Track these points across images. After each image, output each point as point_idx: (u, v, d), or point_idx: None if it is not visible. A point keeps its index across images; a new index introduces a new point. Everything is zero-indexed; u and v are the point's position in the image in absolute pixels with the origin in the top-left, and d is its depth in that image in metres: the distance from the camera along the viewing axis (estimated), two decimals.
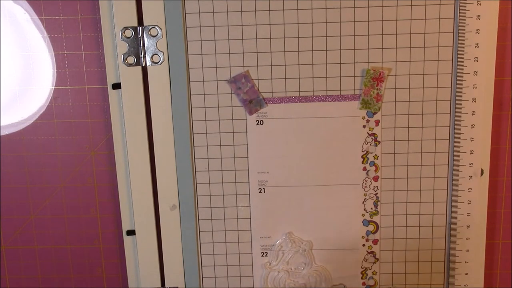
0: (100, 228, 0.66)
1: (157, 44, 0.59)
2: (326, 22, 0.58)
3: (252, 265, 0.65)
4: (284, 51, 0.59)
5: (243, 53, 0.59)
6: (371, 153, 0.61)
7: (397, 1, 0.58)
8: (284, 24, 0.58)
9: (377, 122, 0.61)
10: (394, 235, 0.63)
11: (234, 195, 0.63)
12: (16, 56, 0.62)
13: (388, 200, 0.62)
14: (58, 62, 0.62)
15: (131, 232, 0.64)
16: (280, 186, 0.62)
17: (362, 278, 0.65)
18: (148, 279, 0.64)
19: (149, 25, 0.58)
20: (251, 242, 0.64)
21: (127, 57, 0.59)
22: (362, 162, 0.61)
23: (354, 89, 0.60)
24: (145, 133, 0.61)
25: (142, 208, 0.63)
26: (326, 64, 0.59)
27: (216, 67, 0.59)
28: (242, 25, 0.58)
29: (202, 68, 0.60)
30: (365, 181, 0.62)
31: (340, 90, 0.60)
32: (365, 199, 0.62)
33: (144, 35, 0.58)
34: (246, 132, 0.61)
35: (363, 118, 0.60)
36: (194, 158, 0.62)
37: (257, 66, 0.59)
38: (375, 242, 0.64)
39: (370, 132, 0.61)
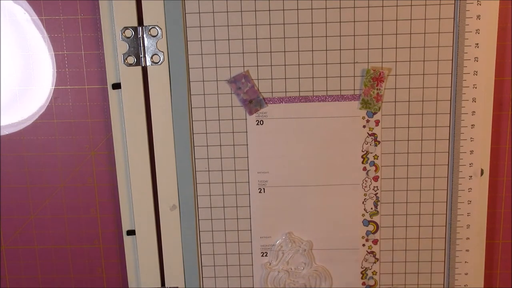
0: (100, 228, 0.66)
1: (157, 44, 0.59)
2: (326, 22, 0.58)
3: (252, 265, 0.64)
4: (284, 51, 0.59)
5: (243, 53, 0.59)
6: (371, 153, 0.61)
7: (397, 1, 0.57)
8: (284, 24, 0.58)
9: (377, 122, 0.60)
10: (394, 235, 0.63)
11: (234, 195, 0.63)
12: (16, 56, 0.62)
13: (388, 200, 0.62)
14: (58, 62, 0.62)
15: (131, 232, 0.64)
16: (280, 186, 0.62)
17: (362, 278, 0.65)
18: (148, 279, 0.64)
19: (149, 25, 0.58)
20: (251, 242, 0.64)
21: (127, 57, 0.59)
22: (362, 162, 0.61)
23: (354, 89, 0.60)
24: (145, 133, 0.61)
25: (142, 208, 0.63)
26: (326, 64, 0.59)
27: (216, 67, 0.59)
28: (242, 25, 0.58)
29: (202, 68, 0.60)
30: (365, 181, 0.62)
31: (340, 90, 0.60)
32: (365, 199, 0.62)
33: (144, 35, 0.58)
34: (246, 132, 0.61)
35: (363, 118, 0.60)
36: (194, 158, 0.62)
37: (257, 66, 0.59)
38: (375, 242, 0.64)
39: (370, 132, 0.61)
